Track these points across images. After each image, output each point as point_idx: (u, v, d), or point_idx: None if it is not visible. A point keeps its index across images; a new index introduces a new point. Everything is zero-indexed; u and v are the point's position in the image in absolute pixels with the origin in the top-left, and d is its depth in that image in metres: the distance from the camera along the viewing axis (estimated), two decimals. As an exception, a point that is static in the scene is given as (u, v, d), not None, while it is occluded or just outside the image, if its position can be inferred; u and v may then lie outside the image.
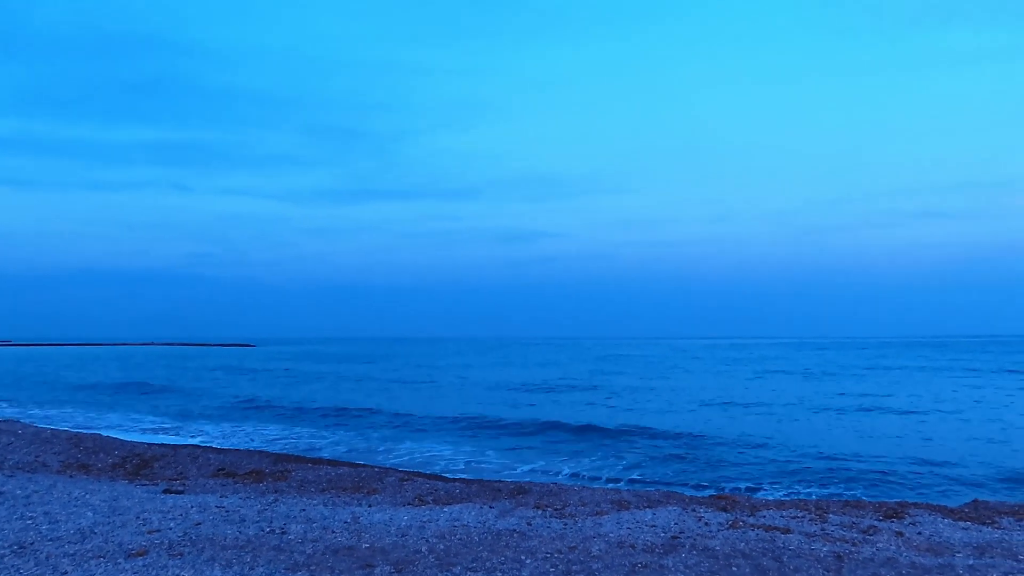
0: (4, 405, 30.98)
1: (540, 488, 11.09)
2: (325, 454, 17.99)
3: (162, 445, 16.88)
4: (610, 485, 14.22)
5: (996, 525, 8.33)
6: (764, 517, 8.44)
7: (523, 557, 6.55)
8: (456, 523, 7.99)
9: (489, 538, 7.24)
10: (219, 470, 13.19)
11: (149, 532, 7.25)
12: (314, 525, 7.75)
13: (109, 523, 7.65)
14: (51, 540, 6.89)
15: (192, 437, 21.37)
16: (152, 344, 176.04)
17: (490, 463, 17.05)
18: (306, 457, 16.45)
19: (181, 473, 13.00)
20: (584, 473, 15.71)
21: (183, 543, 6.82)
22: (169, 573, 5.92)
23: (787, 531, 7.61)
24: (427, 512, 8.70)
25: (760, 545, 6.96)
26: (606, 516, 8.44)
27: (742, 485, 14.16)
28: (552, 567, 6.26)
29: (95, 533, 7.18)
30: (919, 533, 7.74)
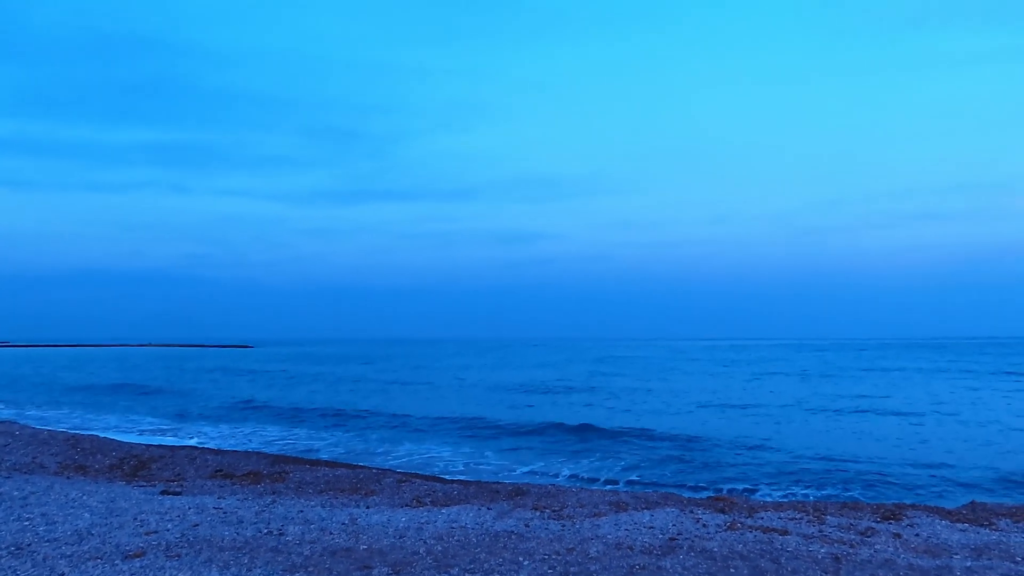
0: (1, 406, 30.93)
1: (538, 490, 11.09)
2: (323, 455, 17.98)
3: (160, 446, 16.85)
4: (608, 487, 14.23)
5: (993, 527, 8.34)
6: (762, 519, 8.44)
7: (521, 559, 6.54)
8: (454, 525, 7.99)
9: (487, 540, 7.24)
10: (217, 471, 13.18)
11: (146, 533, 7.24)
12: (312, 526, 7.74)
13: (106, 524, 7.63)
14: (48, 541, 6.88)
15: (190, 438, 21.35)
16: (150, 345, 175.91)
17: (489, 464, 17.05)
18: (304, 458, 16.43)
19: (179, 474, 12.98)
20: (582, 474, 15.71)
21: (180, 544, 6.81)
22: (166, 575, 5.90)
23: (785, 533, 7.62)
24: (425, 514, 8.70)
25: (758, 547, 6.96)
26: (604, 518, 8.44)
27: (740, 487, 14.17)
28: (550, 569, 6.25)
29: (92, 534, 7.17)
30: (917, 535, 7.75)
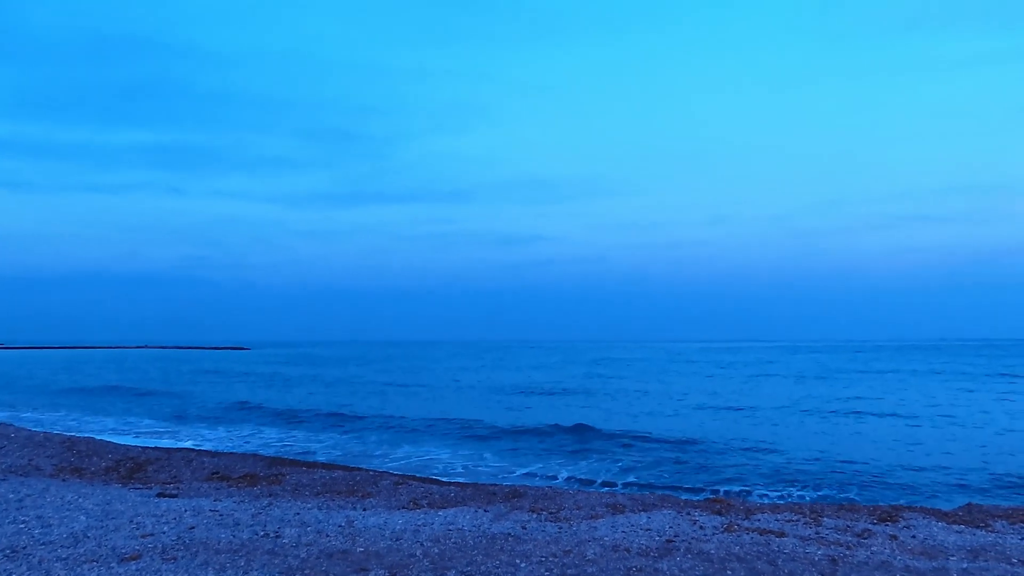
0: (-3, 408, 30.82)
1: (535, 492, 11.09)
2: (320, 458, 17.95)
3: (156, 448, 16.82)
4: (605, 489, 14.23)
5: (990, 528, 8.36)
6: (759, 520, 8.45)
7: (518, 561, 6.54)
8: (451, 527, 7.98)
9: (484, 542, 7.24)
10: (213, 474, 13.15)
11: (143, 536, 7.23)
12: (308, 529, 7.73)
13: (102, 527, 7.62)
14: (44, 544, 6.86)
15: (186, 440, 21.30)
16: (147, 347, 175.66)
17: (488, 466, 17.05)
18: (301, 461, 16.40)
19: (175, 477, 12.96)
20: (579, 476, 15.72)
21: (176, 547, 6.80)
22: (162, 577, 5.89)
23: (782, 534, 7.63)
24: (422, 516, 8.69)
25: (755, 549, 6.97)
26: (601, 520, 8.44)
27: (736, 488, 14.18)
28: (547, 571, 6.25)
29: (88, 537, 7.15)
30: (913, 536, 7.76)
